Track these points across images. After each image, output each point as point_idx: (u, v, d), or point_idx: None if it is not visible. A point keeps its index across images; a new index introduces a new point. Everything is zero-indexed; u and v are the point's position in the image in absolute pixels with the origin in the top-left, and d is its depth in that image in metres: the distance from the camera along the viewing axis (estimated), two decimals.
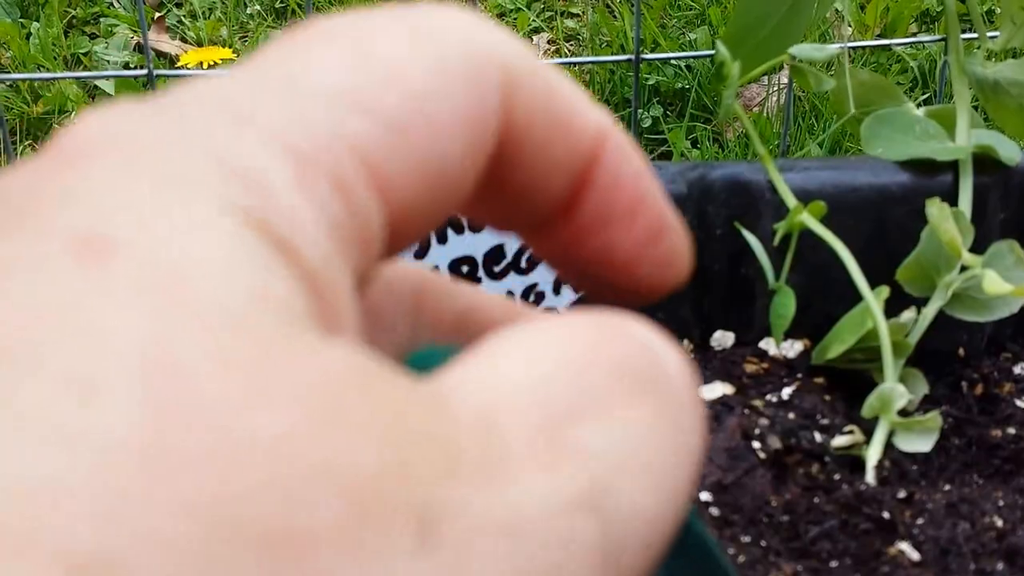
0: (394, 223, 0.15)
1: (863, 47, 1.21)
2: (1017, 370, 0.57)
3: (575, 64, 1.18)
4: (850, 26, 1.36)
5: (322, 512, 0.11)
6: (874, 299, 0.54)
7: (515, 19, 1.50)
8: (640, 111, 1.29)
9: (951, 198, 0.60)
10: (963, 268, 0.56)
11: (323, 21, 0.16)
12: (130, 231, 0.12)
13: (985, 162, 0.63)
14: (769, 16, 0.67)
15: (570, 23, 1.49)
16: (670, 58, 1.09)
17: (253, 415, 0.11)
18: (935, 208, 0.57)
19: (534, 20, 1.49)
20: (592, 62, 1.22)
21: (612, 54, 1.37)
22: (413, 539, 0.11)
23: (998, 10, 0.72)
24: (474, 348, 0.14)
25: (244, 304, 0.12)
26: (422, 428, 0.12)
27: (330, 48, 0.15)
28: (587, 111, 0.17)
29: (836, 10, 1.38)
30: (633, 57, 0.80)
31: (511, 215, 0.18)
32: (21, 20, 1.54)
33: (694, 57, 0.93)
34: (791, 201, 0.60)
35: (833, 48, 0.66)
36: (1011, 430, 0.53)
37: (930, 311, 0.55)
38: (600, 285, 0.19)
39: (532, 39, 1.48)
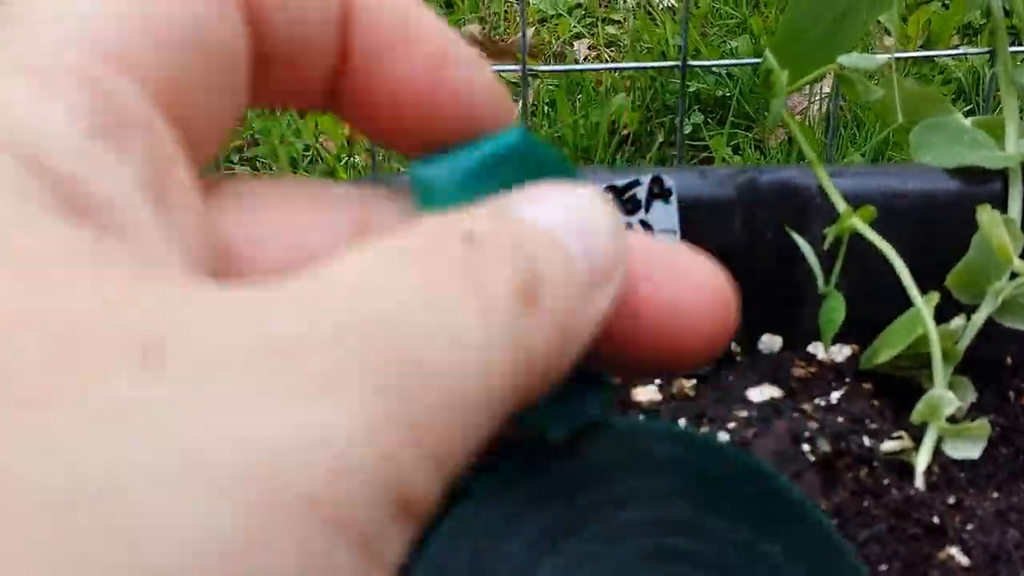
0: (174, 94, 0.16)
1: (907, 58, 1.21)
2: None
3: (618, 70, 1.19)
4: (892, 36, 1.36)
5: (27, 349, 0.12)
6: (924, 305, 0.54)
7: (556, 25, 1.51)
8: (679, 119, 1.29)
9: (1000, 206, 0.60)
10: (1013, 275, 0.56)
11: None
12: None
13: None
14: (817, 25, 0.68)
15: (611, 29, 1.50)
16: (716, 65, 1.09)
17: None
18: (986, 215, 0.57)
19: (575, 26, 1.50)
20: (638, 68, 1.23)
21: (654, 61, 1.37)
22: (137, 361, 0.12)
23: None
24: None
25: None
26: (137, 283, 0.13)
27: None
28: None
29: (879, 21, 1.37)
30: (680, 63, 0.80)
31: (298, 89, 0.19)
32: None
33: (740, 64, 0.94)
34: (841, 205, 0.60)
35: (881, 58, 0.66)
36: None
37: (979, 318, 0.55)
38: (424, 131, 0.19)
39: (573, 45, 1.48)
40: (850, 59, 0.66)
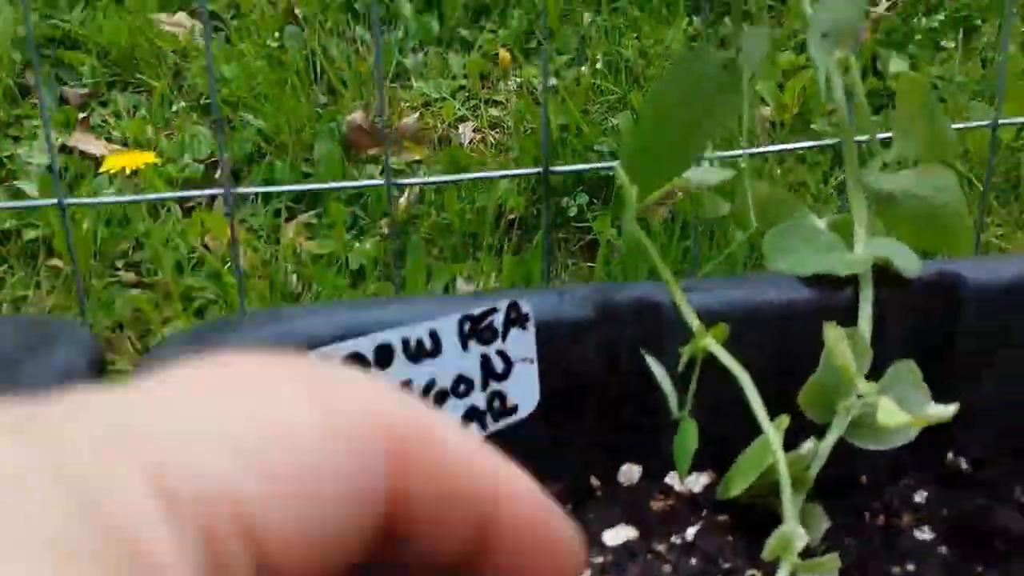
0: (268, 564, 0.15)
1: (773, 136, 1.23)
2: (917, 498, 0.57)
3: (483, 178, 1.19)
4: (768, 106, 1.39)
5: None
6: (774, 431, 0.54)
7: (440, 108, 1.51)
8: (566, 200, 1.29)
9: (854, 313, 0.60)
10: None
11: (229, 359, 0.16)
12: None
13: (886, 273, 0.63)
14: (666, 136, 0.67)
15: (494, 111, 1.50)
16: (577, 171, 1.10)
17: None
18: (831, 331, 0.57)
19: (459, 109, 1.50)
20: (502, 176, 1.23)
21: (535, 141, 1.38)
22: None
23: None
24: None
25: None
26: None
27: (229, 393, 0.16)
28: (481, 464, 0.18)
29: (755, 90, 1.39)
30: (542, 170, 0.80)
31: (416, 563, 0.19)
32: None
33: (599, 168, 0.94)
34: (694, 324, 0.60)
35: (727, 172, 0.66)
36: (910, 566, 0.53)
37: (829, 441, 0.55)
38: None
39: (458, 128, 1.48)
40: (697, 174, 0.66)
